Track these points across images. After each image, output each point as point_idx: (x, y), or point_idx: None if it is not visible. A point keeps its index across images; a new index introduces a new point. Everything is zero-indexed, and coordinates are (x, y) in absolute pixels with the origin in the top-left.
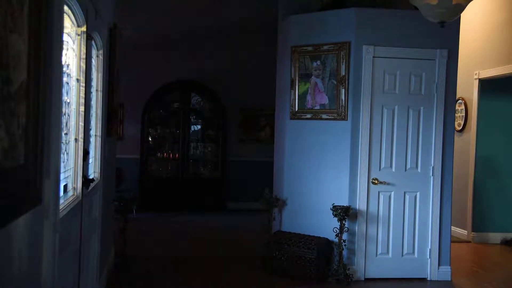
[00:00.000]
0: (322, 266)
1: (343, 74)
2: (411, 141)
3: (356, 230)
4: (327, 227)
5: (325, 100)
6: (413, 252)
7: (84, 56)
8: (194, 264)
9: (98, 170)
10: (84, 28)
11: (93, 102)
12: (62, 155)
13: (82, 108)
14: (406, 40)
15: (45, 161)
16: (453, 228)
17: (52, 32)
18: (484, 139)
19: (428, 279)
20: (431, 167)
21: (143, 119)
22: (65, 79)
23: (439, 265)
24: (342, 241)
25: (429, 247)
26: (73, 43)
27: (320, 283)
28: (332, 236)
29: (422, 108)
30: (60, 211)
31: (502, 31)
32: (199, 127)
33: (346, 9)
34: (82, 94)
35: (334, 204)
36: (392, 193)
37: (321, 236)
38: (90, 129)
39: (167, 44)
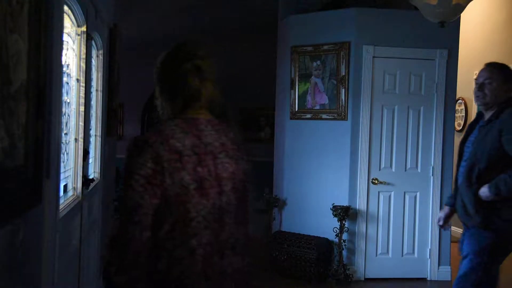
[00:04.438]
0: (322, 266)
1: (343, 74)
2: (411, 141)
3: (356, 230)
4: (327, 227)
5: (325, 100)
6: (413, 252)
7: (84, 56)
8: None
9: (98, 170)
10: (84, 28)
11: (93, 102)
12: (62, 155)
13: (82, 108)
14: (406, 40)
15: (45, 161)
16: (453, 228)
17: (52, 32)
18: None
19: (428, 279)
20: (431, 167)
21: (143, 119)
22: (65, 79)
23: (439, 265)
24: (342, 241)
25: (429, 247)
26: (73, 43)
27: (320, 283)
28: (332, 236)
29: (422, 108)
30: (60, 211)
31: (502, 31)
32: None
33: (346, 9)
34: (82, 94)
35: (334, 204)
36: (392, 193)
37: (321, 236)
38: (90, 129)
39: (167, 44)
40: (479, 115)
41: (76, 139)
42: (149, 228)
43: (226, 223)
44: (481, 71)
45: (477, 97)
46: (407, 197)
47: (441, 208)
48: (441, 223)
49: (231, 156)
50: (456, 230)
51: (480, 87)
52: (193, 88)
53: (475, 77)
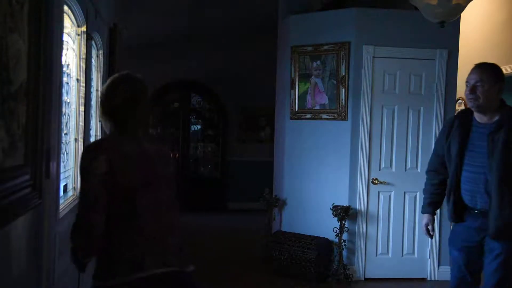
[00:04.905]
0: (322, 266)
1: (343, 74)
2: (411, 141)
3: (356, 230)
4: (327, 227)
5: (325, 100)
6: (413, 252)
7: (84, 56)
8: (194, 264)
9: None
10: (84, 28)
11: (93, 102)
12: (62, 155)
13: (82, 108)
14: (406, 40)
15: (45, 161)
16: None
17: (52, 32)
18: None
19: (428, 279)
20: None
21: None
22: (65, 79)
23: (439, 265)
24: (342, 241)
25: (429, 247)
26: (73, 43)
27: (320, 283)
28: (332, 236)
29: (422, 108)
30: (60, 211)
31: (502, 31)
32: (199, 127)
33: (346, 9)
34: (82, 94)
35: (334, 204)
36: (392, 193)
37: (321, 236)
38: (90, 129)
39: (167, 44)
40: (466, 117)
41: (76, 139)
42: (105, 216)
43: (163, 211)
44: (471, 73)
45: (469, 100)
46: (407, 197)
47: (441, 208)
48: (432, 233)
49: (163, 162)
50: None
51: (472, 89)
52: (130, 112)
53: None
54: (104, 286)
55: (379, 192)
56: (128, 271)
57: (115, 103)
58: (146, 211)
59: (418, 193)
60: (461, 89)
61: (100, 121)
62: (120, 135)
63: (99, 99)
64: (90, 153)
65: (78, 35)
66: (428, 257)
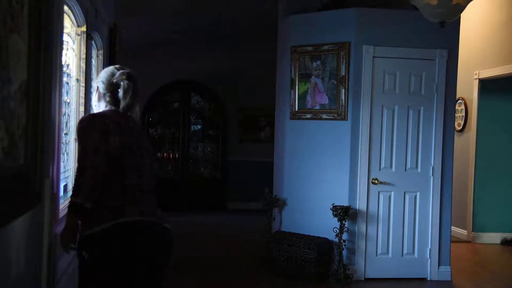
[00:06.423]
0: (322, 266)
1: (343, 74)
2: (411, 141)
3: (356, 230)
4: (327, 227)
5: (325, 100)
6: (413, 252)
7: (84, 56)
8: (194, 264)
9: None
10: (84, 28)
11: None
12: (62, 155)
13: (82, 108)
14: (406, 40)
15: (45, 161)
16: (453, 228)
17: (52, 32)
18: (484, 139)
19: (428, 279)
20: (431, 167)
21: (143, 119)
22: (65, 79)
23: (439, 265)
24: (342, 241)
25: (429, 247)
26: (73, 43)
27: (320, 283)
28: (332, 236)
29: (422, 108)
30: (60, 211)
31: (502, 31)
32: (199, 127)
33: (346, 9)
34: (82, 94)
35: (334, 204)
36: (392, 193)
37: (321, 236)
38: None
39: (167, 44)
40: None
41: (76, 139)
42: (106, 164)
43: (143, 174)
44: None
45: None
46: (407, 197)
47: (441, 208)
48: None
49: (145, 137)
50: (456, 230)
51: None
52: (124, 93)
53: (475, 77)
54: (90, 234)
55: (379, 192)
56: (110, 217)
57: (115, 82)
58: (129, 170)
59: (418, 193)
60: (461, 89)
61: (95, 105)
62: (113, 109)
63: (96, 83)
64: (89, 118)
65: (78, 35)
66: (428, 257)
